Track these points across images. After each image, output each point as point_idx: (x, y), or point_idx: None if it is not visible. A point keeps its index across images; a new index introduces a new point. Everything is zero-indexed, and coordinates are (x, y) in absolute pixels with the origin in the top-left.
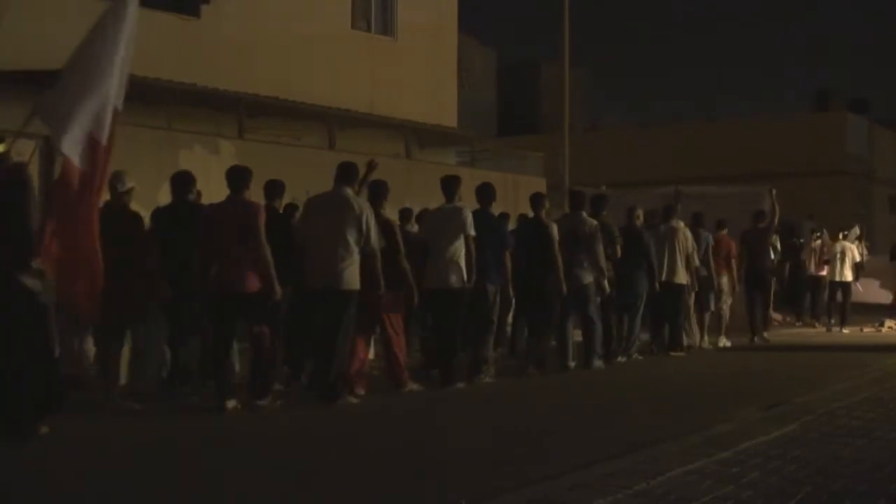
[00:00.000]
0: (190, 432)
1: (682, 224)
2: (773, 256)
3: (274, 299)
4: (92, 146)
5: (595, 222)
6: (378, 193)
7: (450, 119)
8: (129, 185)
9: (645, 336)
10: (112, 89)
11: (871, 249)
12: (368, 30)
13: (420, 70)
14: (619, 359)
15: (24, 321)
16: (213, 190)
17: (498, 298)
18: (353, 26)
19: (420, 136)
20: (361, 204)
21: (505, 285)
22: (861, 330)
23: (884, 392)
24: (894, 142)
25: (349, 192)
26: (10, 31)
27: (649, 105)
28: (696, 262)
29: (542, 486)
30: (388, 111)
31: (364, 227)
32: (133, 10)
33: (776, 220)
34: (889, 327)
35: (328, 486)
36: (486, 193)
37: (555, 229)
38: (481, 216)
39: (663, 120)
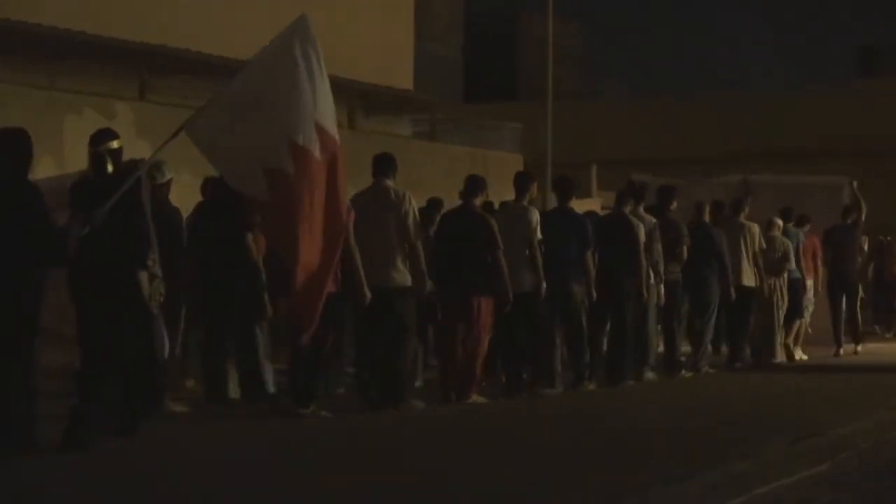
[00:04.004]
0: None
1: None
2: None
3: (363, 302)
4: (268, 175)
5: (654, 220)
6: (474, 187)
7: (404, 79)
8: (169, 175)
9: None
10: (284, 121)
11: None
12: None
13: (367, 18)
14: (685, 373)
15: (132, 321)
16: None
17: (586, 300)
18: None
19: (367, 101)
20: (401, 195)
21: (588, 287)
22: None
23: None
24: None
25: (389, 183)
26: None
27: (658, 70)
28: (793, 264)
29: None
30: (327, 69)
31: (403, 219)
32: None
33: (863, 216)
34: None
35: None
36: (566, 187)
37: (642, 231)
38: (562, 213)
39: (675, 88)
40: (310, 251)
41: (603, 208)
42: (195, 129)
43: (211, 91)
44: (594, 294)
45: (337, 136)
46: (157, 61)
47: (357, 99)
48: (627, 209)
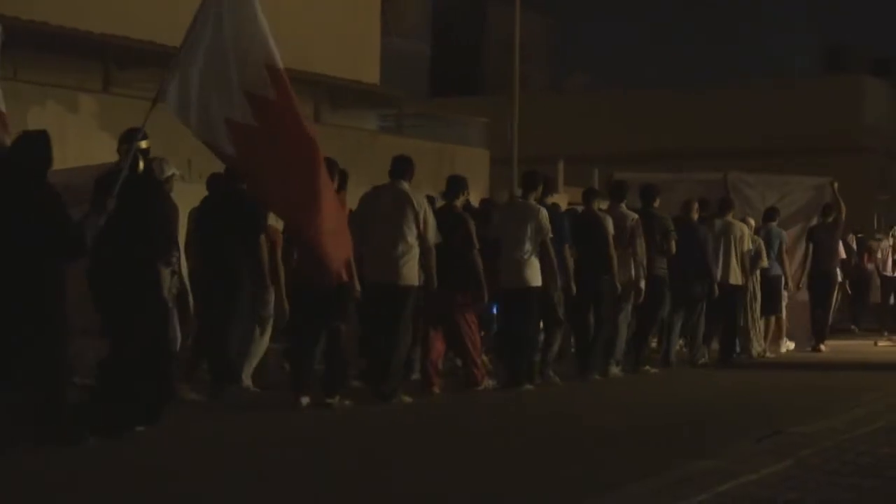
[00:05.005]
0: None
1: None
2: (844, 255)
3: (355, 295)
4: (232, 128)
5: (636, 216)
6: (456, 187)
7: (371, 74)
8: (170, 171)
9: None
10: (237, 73)
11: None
12: None
13: (334, 13)
14: (649, 368)
15: (151, 313)
16: (69, 156)
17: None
18: None
19: (333, 95)
20: (419, 198)
21: (567, 283)
22: (875, 344)
23: None
24: None
25: (406, 185)
26: None
27: (627, 65)
28: (765, 261)
29: None
30: (293, 63)
31: (421, 222)
32: None
33: (843, 215)
34: None
35: None
36: (545, 185)
37: (610, 225)
38: None
39: (644, 83)
40: (293, 197)
41: (570, 204)
42: (166, 96)
43: None
44: (574, 289)
45: (281, 65)
46: (120, 53)
47: (323, 93)
48: (596, 206)
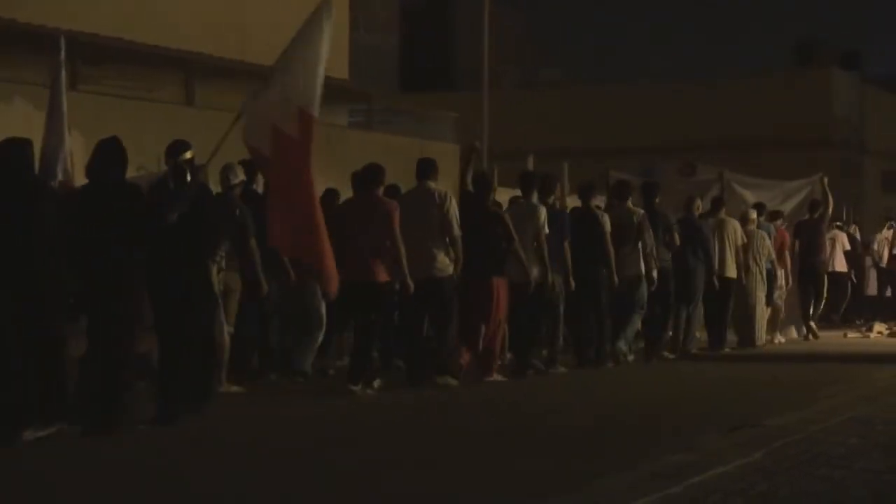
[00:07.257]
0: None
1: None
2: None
3: (407, 291)
4: (276, 137)
5: (642, 212)
6: (484, 185)
7: (340, 70)
8: (241, 177)
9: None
10: (291, 86)
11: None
12: None
13: (302, 8)
14: (668, 355)
15: (204, 307)
16: (36, 153)
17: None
18: None
19: None
20: (443, 194)
21: (565, 277)
22: (844, 335)
23: (872, 413)
24: (891, 105)
25: (431, 184)
26: None
27: (598, 60)
28: (772, 253)
29: None
30: (262, 59)
31: (446, 215)
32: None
33: (830, 210)
34: (879, 332)
35: None
36: (547, 184)
37: (607, 221)
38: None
39: (617, 77)
40: (307, 210)
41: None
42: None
43: (144, 80)
44: (572, 283)
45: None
46: (88, 50)
47: None
48: (593, 203)
